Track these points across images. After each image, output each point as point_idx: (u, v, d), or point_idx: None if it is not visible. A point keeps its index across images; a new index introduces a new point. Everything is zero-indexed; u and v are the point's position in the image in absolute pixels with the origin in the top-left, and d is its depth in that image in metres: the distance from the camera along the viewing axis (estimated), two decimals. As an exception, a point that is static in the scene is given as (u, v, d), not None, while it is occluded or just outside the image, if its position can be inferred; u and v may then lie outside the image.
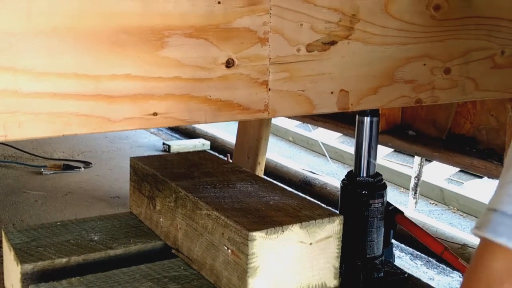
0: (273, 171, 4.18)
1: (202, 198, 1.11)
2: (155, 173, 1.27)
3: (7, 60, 0.84)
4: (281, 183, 4.14)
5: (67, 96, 0.90)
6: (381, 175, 1.47)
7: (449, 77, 1.49)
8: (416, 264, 2.96)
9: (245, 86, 1.12)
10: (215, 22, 1.05)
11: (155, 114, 1.01)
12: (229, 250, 1.00)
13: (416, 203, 3.50)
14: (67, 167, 4.13)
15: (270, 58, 1.15)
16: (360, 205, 1.40)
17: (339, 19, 1.23)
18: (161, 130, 5.97)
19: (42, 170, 4.02)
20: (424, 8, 1.38)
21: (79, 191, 3.72)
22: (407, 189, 4.25)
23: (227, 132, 5.50)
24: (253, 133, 2.84)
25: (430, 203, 4.23)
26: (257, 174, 2.84)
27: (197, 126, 5.87)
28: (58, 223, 1.32)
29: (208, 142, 5.46)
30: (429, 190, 4.14)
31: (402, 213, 1.50)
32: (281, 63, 1.17)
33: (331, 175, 4.53)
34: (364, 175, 1.44)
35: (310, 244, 1.03)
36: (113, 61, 0.94)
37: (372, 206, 1.39)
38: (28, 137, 0.88)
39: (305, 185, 3.88)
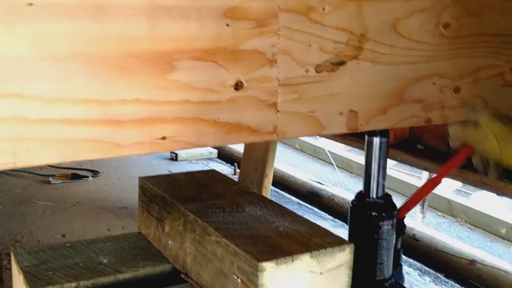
0: (280, 181, 4.17)
1: (211, 223, 1.10)
2: (164, 195, 1.26)
3: (15, 86, 0.84)
4: (288, 193, 4.13)
5: (76, 122, 0.90)
6: (390, 196, 1.45)
7: (459, 95, 1.48)
8: (425, 280, 2.93)
9: (254, 108, 1.12)
10: (224, 45, 1.05)
11: (164, 138, 1.00)
12: (239, 279, 0.99)
13: (423, 217, 3.47)
14: (75, 176, 4.14)
15: (279, 80, 1.14)
16: (370, 227, 1.39)
17: (347, 39, 1.22)
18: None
19: (50, 179, 4.03)
20: (434, 26, 1.37)
21: (87, 201, 3.73)
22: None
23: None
24: (261, 145, 2.83)
25: (438, 215, 4.20)
26: (264, 186, 2.83)
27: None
28: (67, 245, 1.32)
29: (216, 151, 5.46)
30: (437, 202, 4.11)
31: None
32: (290, 84, 1.16)
33: (338, 185, 4.51)
34: (374, 196, 1.42)
35: (321, 273, 1.01)
36: (122, 85, 0.94)
37: (382, 228, 1.38)
38: (37, 164, 0.87)
39: (313, 196, 3.87)
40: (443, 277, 2.96)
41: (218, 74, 1.05)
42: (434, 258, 3.10)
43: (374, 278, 1.41)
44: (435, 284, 2.89)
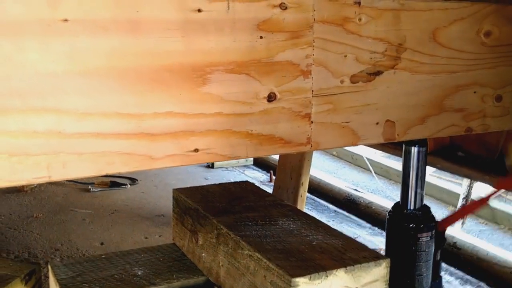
0: (316, 188, 4.14)
1: (244, 237, 1.09)
2: (197, 208, 1.26)
3: (51, 101, 0.85)
4: (325, 200, 4.09)
5: (110, 135, 0.91)
6: (429, 207, 1.42)
7: (501, 104, 1.44)
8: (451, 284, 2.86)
9: (287, 120, 1.11)
10: (257, 57, 1.04)
11: (196, 150, 1.00)
12: None
13: (463, 223, 3.39)
14: (114, 184, 4.19)
15: (312, 91, 1.13)
16: (408, 239, 1.36)
17: (385, 49, 1.20)
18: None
19: (89, 187, 4.10)
20: (475, 34, 1.33)
21: (125, 209, 3.77)
22: (455, 206, 4.14)
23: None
24: (296, 153, 2.81)
25: (480, 222, 4.10)
26: (300, 194, 2.80)
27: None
28: (103, 256, 1.33)
29: (251, 158, 5.45)
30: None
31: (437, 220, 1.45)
32: (324, 95, 1.15)
33: (377, 192, 4.45)
34: (412, 207, 1.39)
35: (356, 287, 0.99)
36: (155, 99, 0.94)
37: (420, 240, 1.35)
38: (72, 178, 0.88)
39: (350, 203, 3.82)
40: (485, 286, 2.88)
41: (251, 86, 1.05)
42: (476, 267, 3.03)
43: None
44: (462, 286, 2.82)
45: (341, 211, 3.86)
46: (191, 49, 0.97)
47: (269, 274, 0.99)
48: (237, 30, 1.01)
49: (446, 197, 4.34)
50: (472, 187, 3.21)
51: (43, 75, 0.84)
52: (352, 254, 1.05)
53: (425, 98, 1.30)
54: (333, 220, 3.69)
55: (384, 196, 4.37)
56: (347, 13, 1.14)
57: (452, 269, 3.06)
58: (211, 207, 1.26)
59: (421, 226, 1.36)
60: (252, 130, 1.06)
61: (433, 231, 1.38)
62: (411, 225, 1.36)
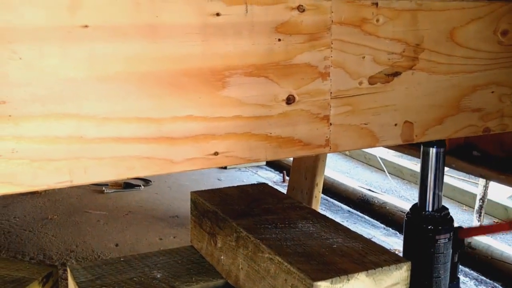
0: (330, 188, 4.13)
1: (264, 240, 1.09)
2: (216, 210, 1.26)
3: (72, 107, 0.85)
4: (338, 201, 4.08)
5: (130, 140, 0.90)
6: (447, 208, 1.41)
7: (519, 103, 1.42)
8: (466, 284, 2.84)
9: (305, 122, 1.10)
10: (276, 60, 1.04)
11: (216, 153, 1.00)
12: None
13: (481, 219, 3.37)
14: (128, 185, 4.21)
15: (331, 93, 1.12)
16: (426, 241, 1.34)
17: (402, 50, 1.19)
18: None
19: (104, 188, 4.11)
20: (492, 33, 1.32)
21: (139, 210, 3.78)
22: (470, 207, 4.11)
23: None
24: (311, 154, 2.79)
25: (494, 221, 4.07)
26: (314, 195, 2.79)
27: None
28: (122, 259, 1.33)
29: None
30: (493, 208, 3.99)
31: (461, 227, 1.43)
32: (342, 97, 1.14)
33: (390, 192, 4.43)
34: (430, 209, 1.38)
35: None
36: (174, 103, 0.94)
37: (438, 242, 1.33)
38: (93, 182, 0.88)
39: (364, 203, 3.81)
40: (499, 287, 2.86)
41: (269, 89, 1.04)
42: (491, 267, 3.01)
43: (431, 291, 1.37)
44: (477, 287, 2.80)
45: (354, 211, 3.84)
46: (210, 53, 0.96)
47: (290, 277, 0.99)
48: (255, 33, 1.01)
49: (460, 197, 4.32)
50: (488, 187, 3.18)
51: (64, 81, 0.84)
52: (372, 257, 1.04)
53: (443, 98, 1.29)
54: (347, 221, 3.68)
55: (398, 196, 4.35)
56: (364, 14, 1.13)
57: (466, 269, 3.04)
58: (230, 210, 1.26)
59: (440, 228, 1.35)
60: (271, 133, 1.06)
61: (451, 233, 1.37)
62: (429, 227, 1.35)
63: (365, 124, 1.19)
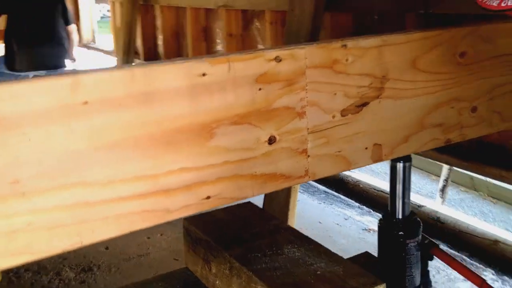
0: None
1: (256, 271, 1.18)
2: (208, 240, 1.34)
3: (76, 176, 0.91)
4: (314, 181, 4.18)
5: (130, 198, 0.97)
6: (415, 213, 1.51)
7: (476, 114, 1.52)
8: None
9: (286, 158, 1.18)
10: (257, 107, 1.11)
11: (208, 197, 1.07)
12: None
13: (443, 202, 3.52)
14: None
15: (308, 128, 1.20)
16: (398, 246, 1.45)
17: (370, 82, 1.27)
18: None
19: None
20: (451, 56, 1.40)
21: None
22: (438, 176, 4.26)
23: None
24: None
25: (461, 190, 4.23)
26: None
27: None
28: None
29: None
30: (459, 178, 4.15)
31: (437, 245, 1.55)
32: (318, 131, 1.22)
33: (363, 171, 4.55)
34: (400, 216, 1.48)
35: None
36: (168, 159, 1.01)
37: (409, 245, 1.44)
38: (100, 240, 0.95)
39: (338, 182, 3.93)
40: (467, 258, 3.01)
41: (253, 133, 1.11)
42: (458, 240, 3.16)
43: (404, 289, 1.49)
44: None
45: (330, 191, 3.96)
46: (198, 110, 1.03)
47: (282, 311, 1.08)
48: (238, 87, 1.07)
49: (428, 166, 4.46)
50: (451, 170, 3.33)
51: (67, 153, 0.90)
52: (353, 282, 1.14)
53: (408, 119, 1.37)
54: (324, 202, 3.80)
55: (369, 170, 4.48)
56: (335, 56, 1.20)
57: (437, 243, 3.18)
58: (221, 237, 1.34)
59: (410, 232, 1.46)
60: (256, 172, 1.14)
61: (420, 236, 1.48)
62: (400, 233, 1.46)
63: (339, 151, 1.27)
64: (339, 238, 3.27)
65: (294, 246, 1.30)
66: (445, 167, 3.32)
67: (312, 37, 2.83)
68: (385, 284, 1.14)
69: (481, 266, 2.94)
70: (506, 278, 2.81)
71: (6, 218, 0.85)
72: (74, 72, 0.90)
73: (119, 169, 0.96)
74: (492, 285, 2.69)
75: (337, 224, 3.48)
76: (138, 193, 0.98)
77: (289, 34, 2.95)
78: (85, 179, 0.92)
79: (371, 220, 3.51)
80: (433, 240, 1.54)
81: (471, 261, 2.98)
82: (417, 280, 1.53)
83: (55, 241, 0.90)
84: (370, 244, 3.05)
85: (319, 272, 1.19)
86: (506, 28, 1.50)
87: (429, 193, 3.91)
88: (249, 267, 1.19)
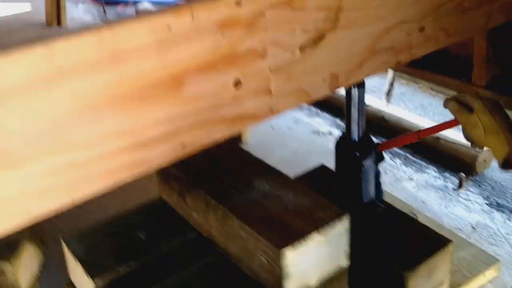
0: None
1: (231, 208, 1.26)
2: (183, 176, 1.40)
3: (60, 140, 0.95)
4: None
5: (113, 154, 1.02)
6: (369, 135, 1.62)
7: (424, 34, 1.60)
8: (396, 163, 3.18)
9: (252, 98, 1.23)
10: (222, 52, 1.14)
11: (183, 145, 1.13)
12: (264, 259, 1.17)
13: (388, 104, 3.66)
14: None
15: (270, 68, 1.25)
16: (355, 165, 1.57)
17: (325, 15, 1.31)
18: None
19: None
20: (398, -19, 1.44)
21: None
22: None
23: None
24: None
25: (401, 83, 4.34)
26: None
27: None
28: (107, 223, 1.45)
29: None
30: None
31: (379, 143, 1.66)
32: (279, 69, 1.27)
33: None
34: (356, 137, 1.58)
35: (326, 243, 1.20)
36: (143, 113, 1.05)
37: (365, 164, 1.56)
38: (89, 196, 1.01)
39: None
40: (410, 156, 3.21)
41: (220, 79, 1.16)
42: (402, 137, 3.32)
43: (361, 202, 1.62)
44: (405, 166, 3.15)
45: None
46: (167, 62, 1.06)
47: (260, 244, 1.18)
48: (202, 35, 1.10)
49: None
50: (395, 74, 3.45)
51: (50, 120, 0.93)
52: (321, 214, 1.25)
53: (361, 47, 1.43)
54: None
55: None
56: (292, -5, 1.22)
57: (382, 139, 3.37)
58: (194, 173, 1.41)
59: (365, 153, 1.57)
60: (225, 115, 1.19)
61: (374, 154, 1.60)
62: (356, 153, 1.57)
63: (300, 85, 1.33)
64: (291, 142, 3.40)
65: (263, 180, 1.38)
66: (390, 72, 3.44)
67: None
68: (349, 214, 1.25)
69: (423, 163, 3.15)
70: (447, 175, 3.04)
71: (-1, 189, 0.89)
72: (45, 40, 0.90)
73: (99, 129, 0.99)
74: (434, 182, 2.92)
75: (289, 128, 3.61)
76: (119, 148, 1.03)
77: None
78: (69, 141, 0.96)
79: (319, 121, 3.66)
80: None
81: (414, 158, 3.18)
82: (372, 192, 1.67)
83: (48, 203, 0.95)
84: (319, 146, 3.22)
85: (290, 207, 1.29)
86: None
87: (375, 89, 4.03)
88: (225, 204, 1.28)
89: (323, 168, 1.81)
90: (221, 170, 1.43)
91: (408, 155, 3.22)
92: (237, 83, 1.19)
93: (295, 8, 1.24)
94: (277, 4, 1.21)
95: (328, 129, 3.53)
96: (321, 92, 1.40)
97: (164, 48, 1.05)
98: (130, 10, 6.60)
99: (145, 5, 6.42)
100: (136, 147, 1.06)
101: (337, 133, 3.40)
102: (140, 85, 1.03)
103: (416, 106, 4.05)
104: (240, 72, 1.19)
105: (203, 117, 1.15)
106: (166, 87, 1.07)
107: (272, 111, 1.29)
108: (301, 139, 3.43)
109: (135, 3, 6.58)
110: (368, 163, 1.55)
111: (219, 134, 1.19)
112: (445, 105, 1.58)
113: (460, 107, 1.52)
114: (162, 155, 1.10)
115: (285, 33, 1.25)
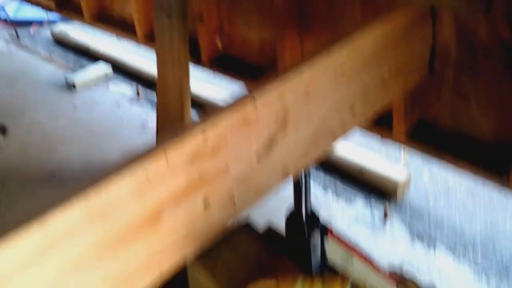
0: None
1: None
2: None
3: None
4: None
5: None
6: (316, 212, 1.76)
7: (353, 111, 1.73)
8: (327, 192, 3.35)
9: (219, 212, 1.32)
10: (192, 181, 1.22)
11: (161, 273, 1.21)
12: None
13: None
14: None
15: (232, 180, 1.33)
16: (304, 240, 1.70)
17: (276, 121, 1.40)
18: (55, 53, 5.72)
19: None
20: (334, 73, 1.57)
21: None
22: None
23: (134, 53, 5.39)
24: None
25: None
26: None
27: (100, 48, 5.73)
28: None
29: (110, 69, 5.40)
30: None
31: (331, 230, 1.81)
32: (240, 179, 1.36)
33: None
34: (304, 216, 1.72)
35: None
36: (127, 253, 1.12)
37: (312, 236, 1.70)
38: None
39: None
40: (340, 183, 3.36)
41: (191, 205, 1.23)
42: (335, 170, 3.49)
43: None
44: (337, 196, 3.33)
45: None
46: (146, 203, 1.13)
47: None
48: (175, 172, 1.18)
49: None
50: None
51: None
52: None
53: (305, 139, 1.54)
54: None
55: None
56: (246, 112, 1.31)
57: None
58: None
59: (313, 229, 1.71)
60: (197, 235, 1.28)
61: (320, 228, 1.74)
62: (305, 230, 1.71)
63: (258, 187, 1.43)
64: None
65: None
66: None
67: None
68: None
69: (352, 190, 3.34)
70: (373, 201, 3.25)
71: None
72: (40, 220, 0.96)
73: (90, 280, 1.05)
74: (363, 209, 3.11)
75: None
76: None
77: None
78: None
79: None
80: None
81: (344, 186, 3.36)
82: (318, 256, 1.82)
83: None
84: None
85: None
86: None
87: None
88: None
89: (270, 230, 1.93)
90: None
91: (337, 181, 3.37)
92: (206, 204, 1.27)
93: (249, 122, 1.33)
94: (237, 125, 1.30)
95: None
96: (275, 184, 1.50)
97: (143, 193, 1.12)
98: (44, 31, 6.41)
99: (61, 27, 6.24)
100: (125, 281, 1.13)
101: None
102: (122, 229, 1.10)
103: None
104: (208, 191, 1.27)
105: (180, 245, 1.23)
106: (146, 225, 1.14)
107: (236, 213, 1.38)
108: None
109: (50, 24, 6.40)
110: (316, 236, 1.69)
111: (191, 252, 1.28)
112: None
113: None
114: (143, 284, 1.18)
115: (243, 147, 1.34)
